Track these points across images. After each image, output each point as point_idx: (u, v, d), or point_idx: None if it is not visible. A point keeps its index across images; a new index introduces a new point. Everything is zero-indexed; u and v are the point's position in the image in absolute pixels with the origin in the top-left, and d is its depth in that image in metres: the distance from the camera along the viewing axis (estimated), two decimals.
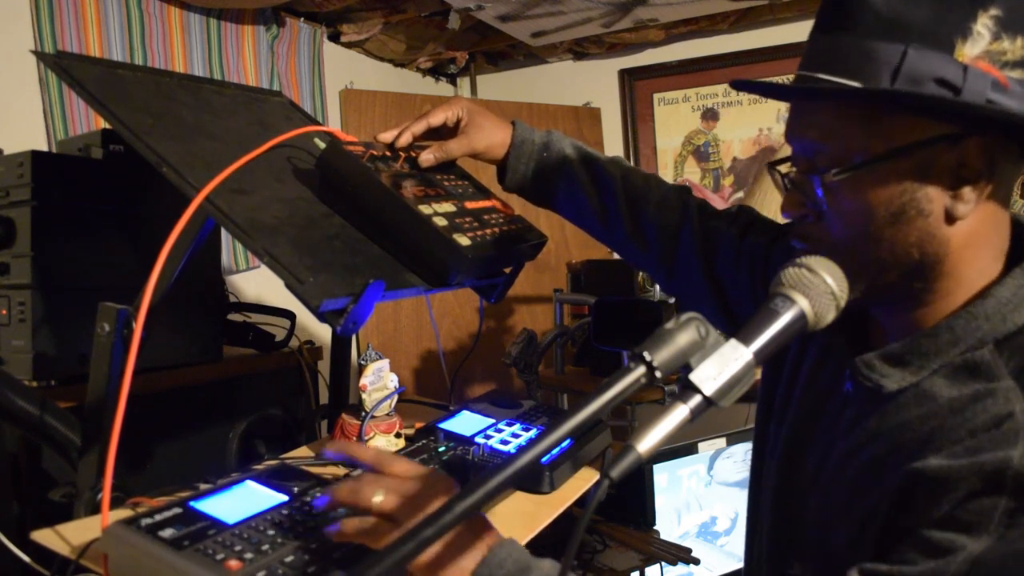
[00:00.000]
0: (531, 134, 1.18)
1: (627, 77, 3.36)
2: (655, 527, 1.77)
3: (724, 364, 0.59)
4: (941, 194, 0.69)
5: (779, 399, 0.93)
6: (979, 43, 0.65)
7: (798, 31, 3.05)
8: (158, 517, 0.74)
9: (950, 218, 0.70)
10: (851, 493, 0.75)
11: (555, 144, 1.17)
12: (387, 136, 1.13)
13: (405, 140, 1.13)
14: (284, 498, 0.83)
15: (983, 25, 0.65)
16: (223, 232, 1.23)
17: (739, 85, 0.82)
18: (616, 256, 2.16)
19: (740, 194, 3.17)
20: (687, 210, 1.09)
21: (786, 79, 3.17)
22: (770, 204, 2.38)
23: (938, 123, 0.68)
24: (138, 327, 0.86)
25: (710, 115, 3.25)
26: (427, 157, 1.15)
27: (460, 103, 1.17)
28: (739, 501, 2.04)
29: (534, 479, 1.01)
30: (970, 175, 0.68)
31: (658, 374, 0.58)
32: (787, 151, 0.80)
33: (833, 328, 0.74)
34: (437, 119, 1.15)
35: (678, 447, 1.92)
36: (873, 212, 0.70)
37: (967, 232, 0.70)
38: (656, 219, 1.11)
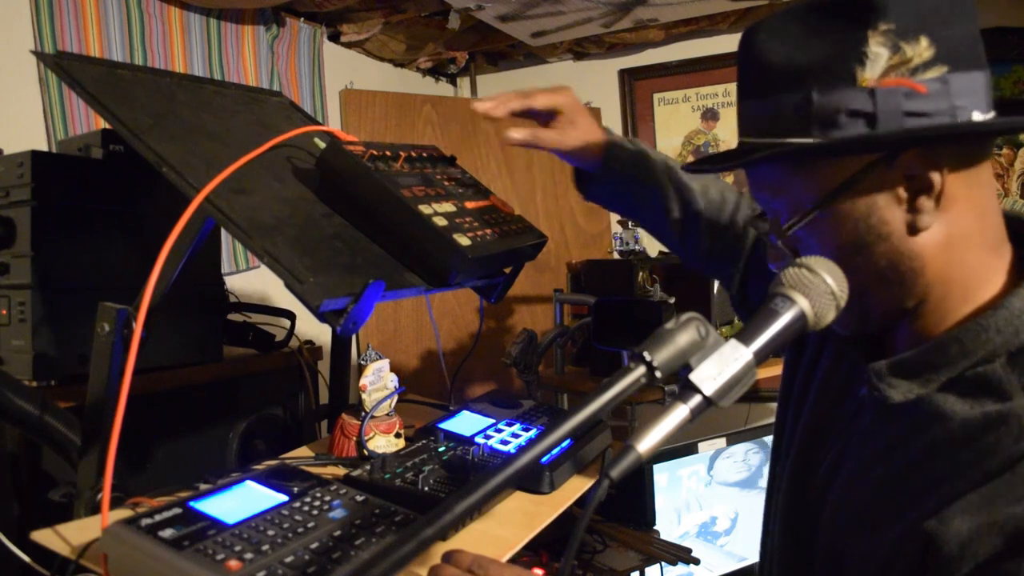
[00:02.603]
0: (624, 143, 1.12)
1: (627, 77, 3.36)
2: (655, 527, 1.77)
3: (724, 364, 0.59)
4: (897, 213, 0.70)
5: (798, 387, 0.93)
6: (878, 63, 0.66)
7: None
8: (158, 517, 0.74)
9: (915, 230, 0.70)
10: (862, 515, 0.74)
11: (649, 157, 1.12)
12: (481, 106, 1.08)
13: (501, 112, 1.08)
14: (284, 498, 0.83)
15: (877, 44, 0.66)
16: (223, 232, 1.23)
17: (690, 167, 0.91)
18: (616, 256, 2.16)
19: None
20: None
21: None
22: None
23: (866, 154, 0.69)
24: (138, 327, 0.86)
25: (710, 115, 3.25)
26: (516, 136, 1.09)
27: (567, 95, 1.10)
28: (739, 501, 2.04)
29: (534, 479, 1.01)
30: (919, 185, 0.68)
31: (658, 374, 0.58)
32: None
33: (850, 342, 0.79)
34: (540, 103, 1.09)
35: (678, 447, 1.92)
36: (837, 248, 0.71)
37: (941, 238, 0.70)
38: (728, 238, 1.11)
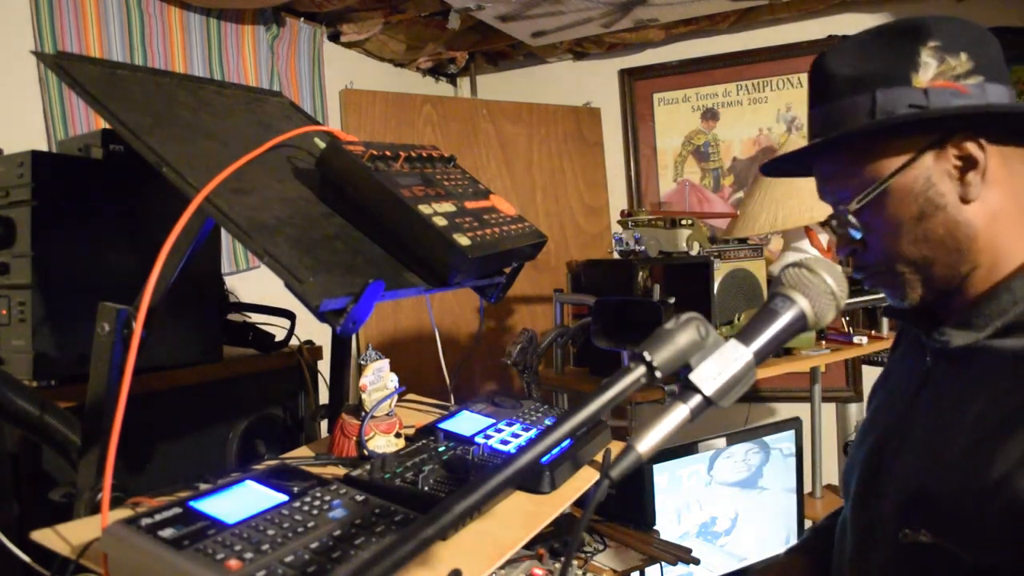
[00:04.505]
0: None
1: (627, 77, 3.36)
2: (655, 527, 1.77)
3: (724, 364, 0.59)
4: (950, 186, 0.84)
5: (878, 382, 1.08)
6: (929, 69, 0.83)
7: (798, 31, 3.05)
8: (158, 517, 0.74)
9: (966, 201, 0.84)
10: (956, 459, 0.80)
11: None
12: None
13: None
14: (284, 498, 0.83)
15: (927, 55, 0.83)
16: (223, 232, 1.23)
17: (766, 167, 1.05)
18: (616, 256, 2.16)
19: (740, 194, 3.18)
20: None
21: (795, 80, 3.17)
22: (770, 204, 2.38)
23: (922, 136, 0.84)
24: (138, 327, 0.86)
25: (710, 115, 3.25)
26: None
27: None
28: (739, 501, 2.04)
29: (534, 479, 1.01)
30: (967, 164, 0.84)
31: (658, 374, 0.58)
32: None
33: (910, 318, 0.93)
34: None
35: (678, 447, 1.92)
36: (900, 220, 0.86)
37: (989, 209, 0.84)
38: None
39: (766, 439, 2.10)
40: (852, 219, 0.88)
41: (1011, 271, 0.84)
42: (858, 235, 0.88)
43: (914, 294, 0.89)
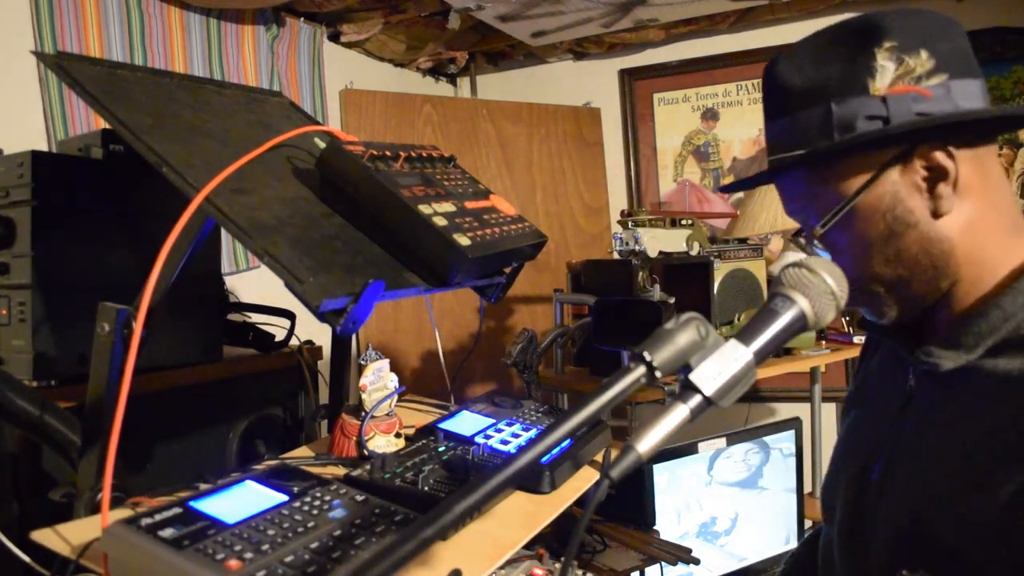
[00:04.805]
0: None
1: (627, 77, 3.36)
2: (655, 527, 1.77)
3: (724, 364, 0.59)
4: (919, 201, 0.78)
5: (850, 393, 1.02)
6: (887, 74, 0.76)
7: (798, 31, 3.03)
8: (158, 517, 0.74)
9: (938, 215, 0.77)
10: (951, 485, 0.75)
11: None
12: None
13: None
14: (284, 498, 0.83)
15: (884, 58, 0.76)
16: (223, 232, 1.23)
17: (725, 189, 1.01)
18: (616, 256, 2.16)
19: (740, 194, 3.17)
20: None
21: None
22: (769, 205, 2.38)
23: (885, 149, 0.78)
24: (138, 327, 0.86)
25: (710, 115, 3.25)
26: None
27: None
28: (739, 501, 2.04)
29: (534, 479, 1.01)
30: (936, 174, 0.77)
31: (658, 374, 0.58)
32: None
33: (890, 334, 0.86)
34: None
35: (678, 447, 1.92)
36: (868, 240, 0.80)
37: (965, 219, 0.77)
38: None
39: (766, 439, 2.10)
40: (817, 242, 0.82)
41: (998, 284, 0.77)
42: (827, 256, 0.82)
43: (891, 312, 0.83)
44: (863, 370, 1.03)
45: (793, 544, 2.10)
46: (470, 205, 1.17)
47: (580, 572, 1.40)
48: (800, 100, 0.80)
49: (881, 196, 0.78)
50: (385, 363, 1.14)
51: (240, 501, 0.81)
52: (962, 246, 0.78)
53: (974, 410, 0.75)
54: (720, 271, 2.12)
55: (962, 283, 0.78)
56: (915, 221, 0.78)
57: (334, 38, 2.88)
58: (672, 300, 1.87)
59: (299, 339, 1.57)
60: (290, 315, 1.53)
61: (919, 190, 0.77)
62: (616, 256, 2.14)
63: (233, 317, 1.52)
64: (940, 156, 0.76)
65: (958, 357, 0.76)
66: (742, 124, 3.21)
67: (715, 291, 2.08)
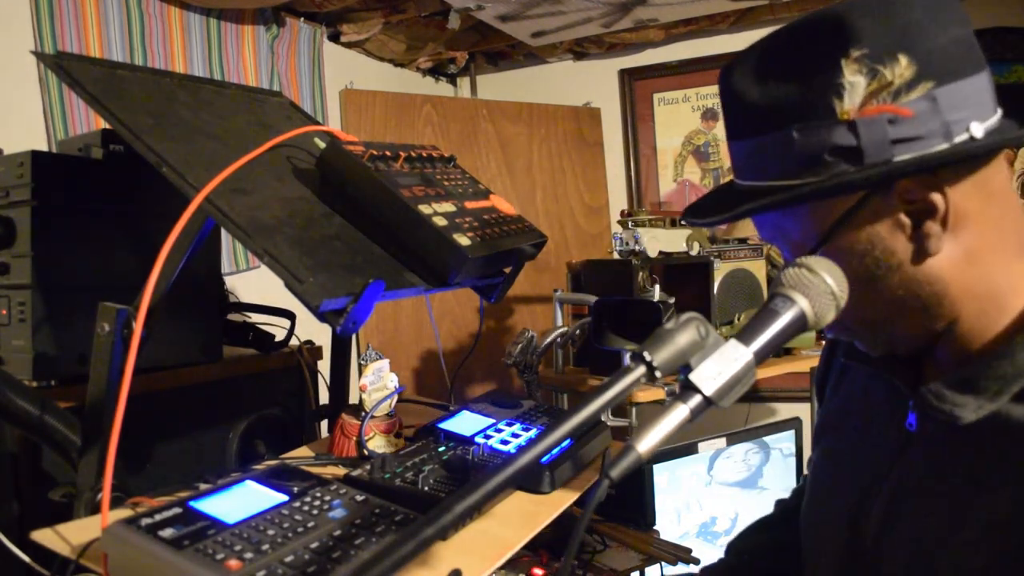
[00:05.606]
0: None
1: (627, 77, 3.36)
2: (655, 527, 1.77)
3: (724, 364, 0.59)
4: (902, 242, 0.66)
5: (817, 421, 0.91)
6: (856, 92, 0.62)
7: None
8: (158, 517, 0.74)
9: (926, 256, 0.66)
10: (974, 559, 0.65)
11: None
12: None
13: None
14: (284, 498, 0.83)
15: (852, 72, 0.62)
16: (223, 232, 1.23)
17: (684, 220, 0.82)
18: (616, 256, 2.16)
19: None
20: None
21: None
22: None
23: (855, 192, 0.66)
24: (138, 327, 0.86)
25: (710, 115, 3.25)
26: None
27: None
28: (739, 501, 2.04)
29: (534, 479, 1.01)
30: (922, 209, 0.65)
31: (658, 374, 0.58)
32: None
33: (883, 366, 0.75)
34: None
35: (678, 447, 1.92)
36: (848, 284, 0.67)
37: (960, 255, 0.66)
38: None
39: (766, 439, 2.10)
40: None
41: (1017, 318, 0.66)
42: None
43: (878, 349, 0.75)
44: (833, 396, 0.91)
45: None
46: (470, 205, 1.17)
47: (580, 572, 1.40)
48: (758, 122, 0.68)
49: (855, 239, 0.67)
50: (385, 363, 1.14)
51: (240, 501, 0.81)
52: (957, 284, 0.66)
53: (1000, 466, 0.64)
54: (720, 271, 2.12)
55: (963, 320, 0.68)
56: (897, 263, 0.66)
57: (334, 38, 2.88)
58: (672, 300, 1.87)
59: (299, 339, 1.57)
60: (290, 315, 1.53)
61: (902, 228, 0.65)
62: (616, 256, 2.14)
63: (233, 317, 1.52)
64: (925, 189, 0.64)
65: (979, 406, 0.65)
66: None
67: (715, 291, 2.09)
